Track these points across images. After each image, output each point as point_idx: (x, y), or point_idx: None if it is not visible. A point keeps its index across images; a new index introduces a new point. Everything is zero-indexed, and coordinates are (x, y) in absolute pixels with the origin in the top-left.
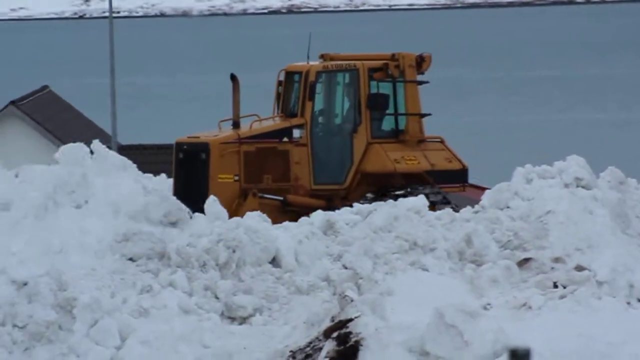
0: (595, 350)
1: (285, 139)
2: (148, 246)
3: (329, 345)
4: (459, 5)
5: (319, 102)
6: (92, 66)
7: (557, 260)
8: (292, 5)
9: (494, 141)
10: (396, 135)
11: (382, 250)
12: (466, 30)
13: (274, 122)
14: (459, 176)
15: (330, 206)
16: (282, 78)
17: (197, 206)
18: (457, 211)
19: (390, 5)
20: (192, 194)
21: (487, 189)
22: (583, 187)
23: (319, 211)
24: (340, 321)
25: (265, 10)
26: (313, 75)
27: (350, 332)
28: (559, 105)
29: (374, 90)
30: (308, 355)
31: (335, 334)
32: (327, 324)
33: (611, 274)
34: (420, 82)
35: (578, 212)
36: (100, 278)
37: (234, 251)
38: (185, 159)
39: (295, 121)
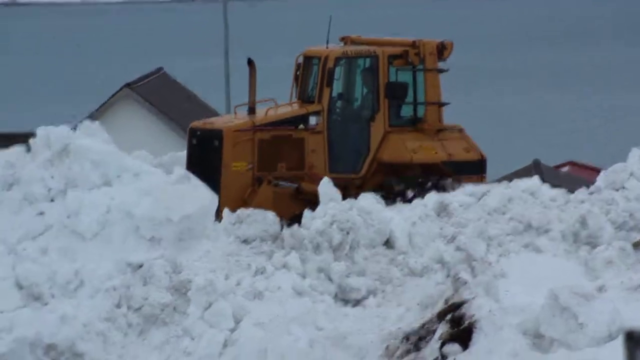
0: None
1: (302, 126)
2: (262, 228)
3: (443, 328)
4: None
5: (337, 89)
6: (207, 48)
7: None
8: None
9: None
10: (414, 123)
11: (496, 232)
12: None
13: (290, 108)
14: (477, 167)
15: (345, 195)
16: (300, 62)
17: (217, 185)
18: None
19: None
20: (205, 181)
21: (598, 169)
22: None
23: (433, 193)
24: (454, 303)
25: None
26: (332, 61)
27: (464, 314)
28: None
29: (393, 78)
30: (422, 338)
31: (449, 316)
32: (440, 306)
33: None
34: (441, 70)
35: None
36: (215, 260)
37: (347, 233)
38: (198, 145)
39: (312, 108)
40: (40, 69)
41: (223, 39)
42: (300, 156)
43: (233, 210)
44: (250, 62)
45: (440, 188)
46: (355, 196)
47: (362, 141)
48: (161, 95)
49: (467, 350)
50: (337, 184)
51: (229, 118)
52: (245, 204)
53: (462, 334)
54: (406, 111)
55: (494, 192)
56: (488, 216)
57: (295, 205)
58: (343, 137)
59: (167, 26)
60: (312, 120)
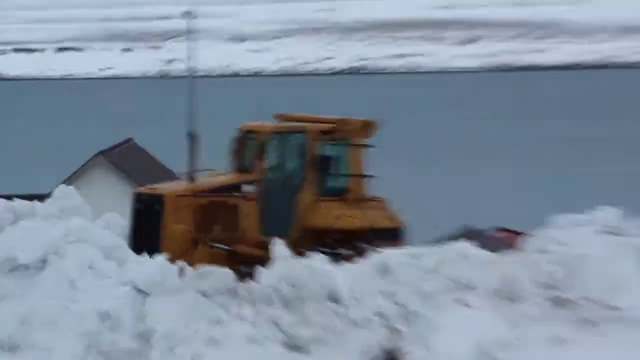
0: None
1: (236, 194)
2: (219, 283)
3: None
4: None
5: (270, 160)
6: (173, 121)
7: (588, 300)
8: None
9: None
10: (340, 193)
11: (430, 289)
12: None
13: (226, 177)
14: (396, 234)
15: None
16: (237, 135)
17: (151, 252)
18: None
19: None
20: (147, 241)
21: (521, 233)
22: (614, 234)
23: (375, 253)
24: (391, 353)
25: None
26: (266, 136)
27: None
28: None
29: (321, 151)
30: None
31: None
32: (377, 355)
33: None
34: (365, 146)
35: (612, 256)
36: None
37: (295, 287)
38: (142, 208)
39: (246, 177)
40: (14, 138)
41: (184, 112)
42: (234, 220)
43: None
44: (191, 135)
45: (360, 253)
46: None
47: (291, 208)
48: (130, 162)
49: None
50: (268, 246)
51: (171, 184)
52: (188, 260)
53: None
54: (332, 182)
55: (430, 253)
56: (424, 275)
57: (229, 264)
58: (274, 204)
59: (136, 99)
60: (247, 188)
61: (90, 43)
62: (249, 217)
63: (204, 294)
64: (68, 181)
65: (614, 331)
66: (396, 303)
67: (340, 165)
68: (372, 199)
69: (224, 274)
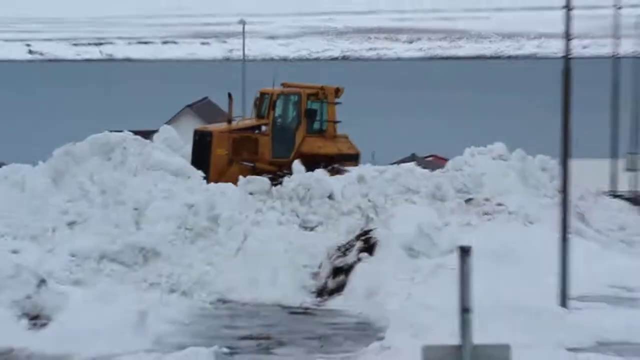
0: (505, 247)
1: (257, 132)
2: (260, 186)
3: (359, 244)
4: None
5: (278, 111)
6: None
7: (486, 200)
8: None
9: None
10: (321, 132)
11: (390, 192)
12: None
13: (250, 121)
14: (354, 158)
15: (279, 171)
16: (257, 96)
17: (205, 170)
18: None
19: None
20: (201, 162)
21: (446, 159)
22: (503, 160)
23: (355, 168)
24: (365, 231)
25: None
26: (275, 96)
27: (371, 237)
28: None
29: (310, 106)
30: (347, 248)
31: (362, 238)
32: (357, 232)
33: (516, 208)
34: (336, 103)
35: (501, 173)
36: (235, 203)
37: (308, 190)
38: (199, 140)
39: (263, 121)
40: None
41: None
42: (255, 148)
43: (215, 179)
44: (229, 95)
45: (334, 170)
46: (284, 173)
47: (291, 140)
48: (207, 113)
49: (372, 256)
50: (276, 164)
51: (217, 125)
52: (224, 175)
53: (369, 247)
54: (316, 125)
55: (390, 169)
56: (386, 183)
57: (254, 175)
58: (280, 138)
59: (208, 74)
60: (264, 128)
61: (183, 39)
62: (265, 146)
63: (251, 193)
64: (168, 123)
65: (501, 219)
66: (369, 200)
67: (321, 115)
68: (341, 136)
69: (262, 181)
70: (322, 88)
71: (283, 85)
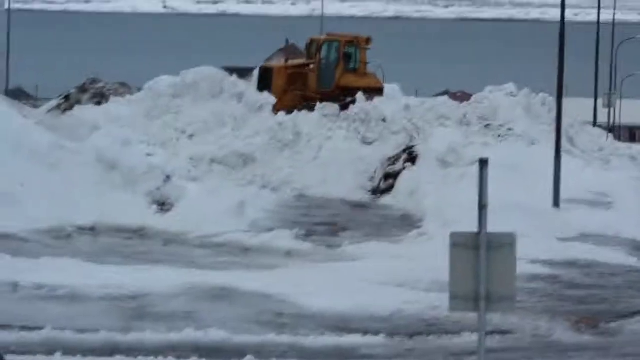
0: (513, 161)
1: (307, 68)
2: (331, 111)
3: (404, 156)
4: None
5: (323, 53)
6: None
7: (500, 126)
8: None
9: None
10: (355, 70)
11: (428, 118)
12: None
13: (303, 60)
14: (381, 90)
15: (324, 99)
16: (307, 42)
17: (270, 91)
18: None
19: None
20: (266, 89)
21: (470, 94)
22: (514, 96)
23: (399, 99)
24: (409, 145)
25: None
26: (321, 42)
27: (413, 151)
28: None
29: (347, 50)
30: (396, 159)
31: (407, 151)
32: (403, 147)
33: (522, 132)
34: (367, 49)
35: (511, 106)
36: (312, 122)
37: (367, 114)
38: (263, 74)
39: (311, 61)
40: None
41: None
42: (305, 81)
43: (278, 102)
44: (287, 41)
45: (369, 97)
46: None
47: (332, 76)
48: (293, 55)
49: (414, 166)
50: (321, 93)
51: (277, 62)
52: (283, 99)
53: (412, 159)
54: (352, 64)
55: (428, 101)
56: (425, 111)
57: (303, 101)
58: (324, 74)
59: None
60: (311, 66)
61: (276, 0)
62: (312, 80)
63: (324, 115)
64: (264, 61)
65: (511, 140)
66: (413, 123)
67: (355, 57)
68: (370, 74)
69: (333, 106)
70: (356, 37)
71: (327, 34)
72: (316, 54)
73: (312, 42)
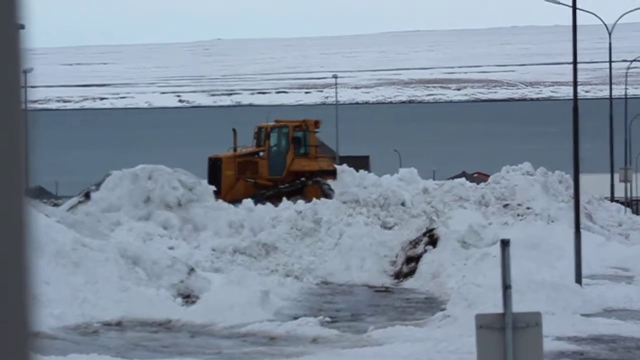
0: (533, 240)
1: (257, 156)
2: (350, 197)
3: (425, 239)
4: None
5: (272, 140)
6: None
7: (519, 205)
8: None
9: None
10: (306, 154)
11: (447, 200)
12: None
13: (252, 148)
14: (332, 172)
15: (275, 186)
16: (255, 130)
17: (217, 186)
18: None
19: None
20: (214, 182)
21: (487, 174)
22: (530, 175)
23: (417, 184)
24: (430, 229)
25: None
26: (269, 128)
27: (434, 233)
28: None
29: (296, 135)
30: (417, 242)
31: (427, 234)
32: (424, 230)
33: (541, 211)
34: (317, 132)
35: (529, 185)
36: (333, 210)
37: (385, 199)
38: (212, 165)
39: (261, 149)
40: None
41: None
42: (256, 169)
43: (225, 194)
44: (234, 130)
45: (316, 182)
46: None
47: (283, 162)
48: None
49: (435, 248)
50: (272, 180)
51: (225, 153)
52: (232, 190)
53: (433, 241)
54: (302, 149)
55: (446, 183)
56: (444, 193)
57: (254, 190)
58: (275, 160)
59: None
60: (261, 153)
61: (291, 89)
62: (263, 167)
63: (344, 202)
64: None
65: (529, 219)
66: (432, 206)
67: (305, 141)
68: (322, 156)
69: (351, 193)
70: (304, 121)
71: (275, 121)
72: (265, 140)
73: (260, 129)
